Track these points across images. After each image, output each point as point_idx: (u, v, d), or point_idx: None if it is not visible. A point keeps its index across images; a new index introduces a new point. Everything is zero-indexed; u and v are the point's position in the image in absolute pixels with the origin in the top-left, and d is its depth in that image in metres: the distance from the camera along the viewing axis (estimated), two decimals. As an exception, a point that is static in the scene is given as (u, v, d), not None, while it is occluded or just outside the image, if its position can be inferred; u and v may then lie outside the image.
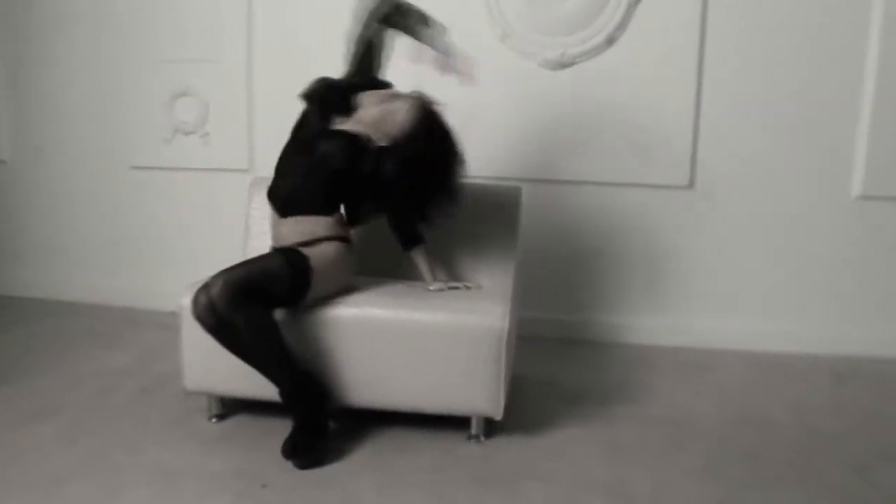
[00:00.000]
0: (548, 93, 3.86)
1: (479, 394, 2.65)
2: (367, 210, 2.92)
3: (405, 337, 2.66)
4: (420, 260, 3.00)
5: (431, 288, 2.93)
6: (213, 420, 2.85)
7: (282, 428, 2.59)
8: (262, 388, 2.65)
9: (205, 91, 4.13)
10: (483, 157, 3.83)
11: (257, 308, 2.52)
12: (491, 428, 2.76)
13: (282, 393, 2.60)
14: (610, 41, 3.78)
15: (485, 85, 3.80)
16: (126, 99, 4.24)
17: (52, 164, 4.41)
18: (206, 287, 2.54)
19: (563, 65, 3.82)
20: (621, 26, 3.76)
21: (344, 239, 2.83)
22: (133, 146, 4.27)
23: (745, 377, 3.52)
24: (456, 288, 2.96)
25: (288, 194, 2.83)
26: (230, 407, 2.91)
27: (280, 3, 4.03)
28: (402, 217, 2.97)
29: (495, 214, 3.21)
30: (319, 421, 2.61)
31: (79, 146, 4.36)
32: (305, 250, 2.70)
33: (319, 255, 2.70)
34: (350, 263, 2.85)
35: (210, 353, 2.69)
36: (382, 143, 2.81)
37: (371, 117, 2.85)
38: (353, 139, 2.81)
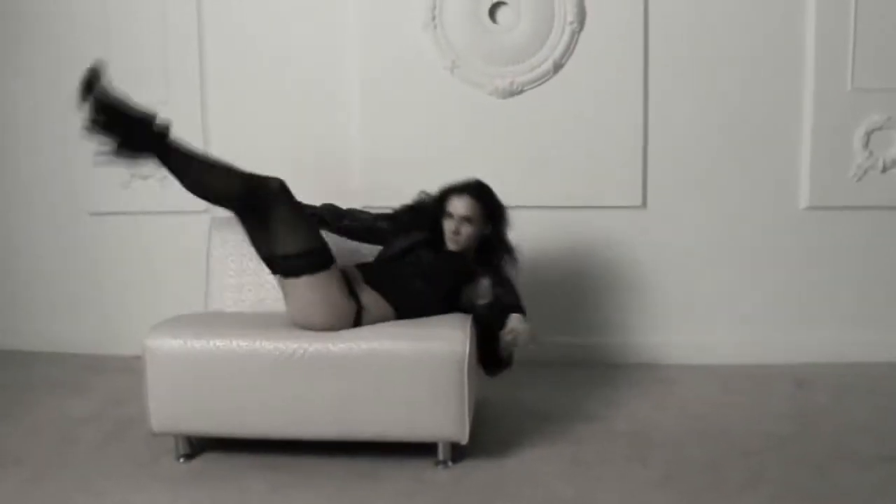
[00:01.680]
0: (499, 120, 3.95)
1: (444, 419, 2.68)
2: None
3: (367, 367, 2.68)
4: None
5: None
6: (181, 460, 2.84)
7: (252, 466, 2.60)
8: (230, 425, 2.68)
9: (160, 134, 4.14)
10: (436, 185, 3.92)
11: None
12: (458, 453, 2.79)
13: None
14: (557, 68, 3.89)
15: (436, 115, 3.92)
16: (83, 145, 4.22)
17: (10, 212, 4.39)
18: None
19: (513, 92, 3.92)
20: (567, 52, 3.87)
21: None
22: (91, 192, 4.26)
23: (706, 389, 3.60)
24: None
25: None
26: (198, 446, 2.90)
27: (232, 44, 4.09)
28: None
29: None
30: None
31: (37, 194, 4.35)
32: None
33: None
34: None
35: (176, 392, 2.72)
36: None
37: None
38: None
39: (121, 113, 2.72)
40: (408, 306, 2.92)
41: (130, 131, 2.71)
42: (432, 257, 3.10)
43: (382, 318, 2.87)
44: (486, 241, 3.16)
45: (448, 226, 3.11)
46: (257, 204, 2.75)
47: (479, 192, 3.13)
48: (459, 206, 3.09)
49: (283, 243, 2.77)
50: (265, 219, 2.77)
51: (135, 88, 4.05)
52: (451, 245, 3.12)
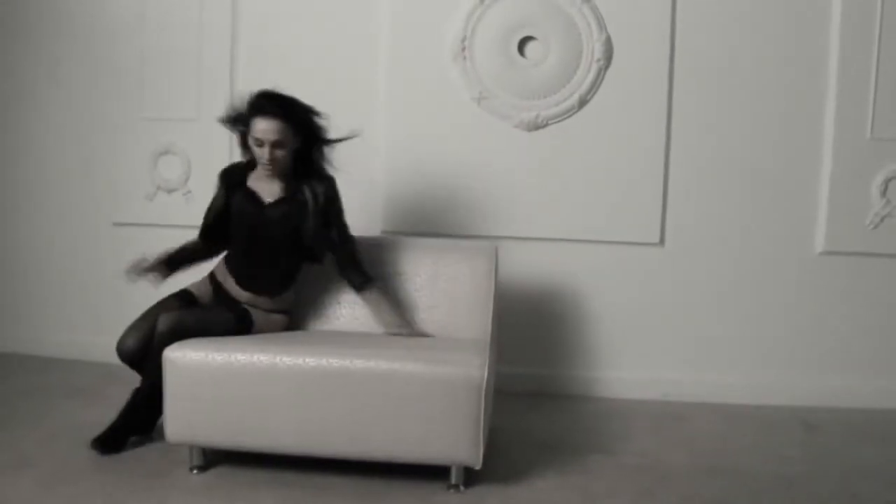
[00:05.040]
0: (523, 153, 4.00)
1: (459, 443, 2.70)
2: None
3: (385, 387, 2.72)
4: (372, 303, 3.21)
5: (390, 332, 3.15)
6: (195, 472, 2.87)
7: (264, 481, 2.62)
8: (245, 438, 2.72)
9: (187, 149, 4.24)
10: (460, 215, 3.97)
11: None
12: (470, 477, 2.81)
13: (140, 391, 3.01)
14: (582, 103, 3.95)
15: (461, 145, 3.97)
16: (109, 156, 4.33)
17: (34, 218, 4.46)
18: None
19: (538, 126, 3.97)
20: (593, 89, 3.93)
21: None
22: (116, 203, 4.34)
23: (716, 428, 3.61)
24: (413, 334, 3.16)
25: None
26: (212, 458, 2.93)
27: (262, 62, 4.16)
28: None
29: (472, 270, 3.32)
30: (141, 424, 3.06)
31: (61, 201, 4.43)
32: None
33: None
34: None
35: (194, 404, 2.76)
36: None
37: None
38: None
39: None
40: (273, 289, 3.17)
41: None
42: (259, 218, 3.13)
43: (268, 308, 3.17)
44: (299, 154, 3.17)
45: (260, 154, 3.07)
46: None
47: (284, 109, 3.06)
48: (268, 129, 3.03)
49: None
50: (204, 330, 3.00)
51: (167, 106, 4.20)
52: (266, 173, 3.11)
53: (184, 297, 3.18)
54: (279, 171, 3.11)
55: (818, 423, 3.69)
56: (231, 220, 3.18)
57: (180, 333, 2.89)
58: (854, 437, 3.52)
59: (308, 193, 3.13)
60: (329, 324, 3.31)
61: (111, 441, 3.02)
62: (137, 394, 3.04)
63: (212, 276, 3.26)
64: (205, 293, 3.22)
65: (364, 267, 3.24)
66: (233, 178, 3.21)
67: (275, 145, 3.04)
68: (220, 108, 4.11)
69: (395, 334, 3.15)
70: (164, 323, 2.92)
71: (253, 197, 3.14)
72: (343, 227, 3.24)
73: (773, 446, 3.37)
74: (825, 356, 3.98)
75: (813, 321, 3.98)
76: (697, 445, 3.35)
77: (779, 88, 3.93)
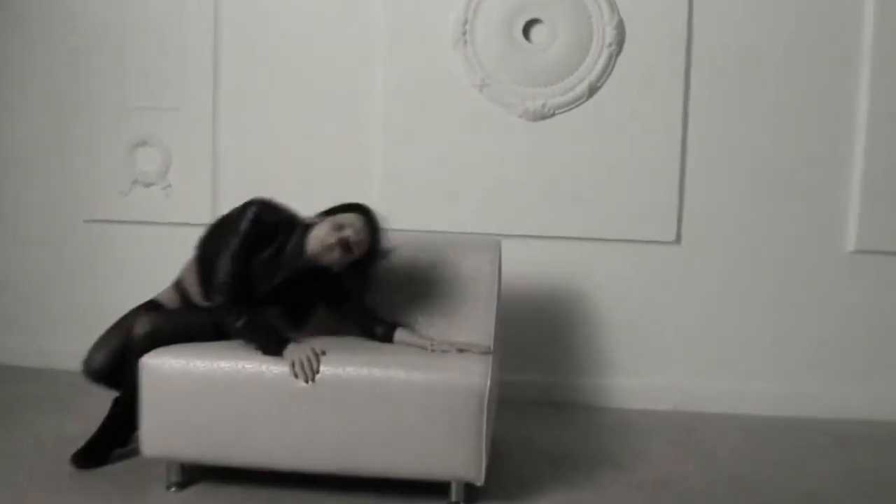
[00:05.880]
0: (528, 144, 4.00)
1: (460, 457, 2.68)
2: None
3: (379, 396, 2.70)
4: (408, 338, 3.07)
5: (437, 349, 2.96)
6: (173, 489, 2.85)
7: (248, 499, 2.60)
8: (228, 452, 2.71)
9: (167, 140, 4.23)
10: (460, 211, 3.97)
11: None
12: (471, 494, 2.79)
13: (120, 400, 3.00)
14: (592, 91, 3.94)
15: (462, 135, 3.96)
16: (81, 148, 4.32)
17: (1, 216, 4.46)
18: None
19: (544, 115, 3.97)
20: (604, 76, 3.93)
21: None
22: (88, 198, 4.32)
23: (735, 441, 3.60)
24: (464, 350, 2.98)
25: None
26: (191, 474, 2.91)
27: (249, 48, 4.16)
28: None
29: (473, 270, 3.29)
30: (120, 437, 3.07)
31: (30, 197, 4.41)
32: None
33: None
34: None
35: (174, 415, 2.75)
36: None
37: None
38: None
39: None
40: None
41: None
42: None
43: None
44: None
45: (330, 237, 2.91)
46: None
47: (372, 222, 3.01)
48: (355, 225, 2.95)
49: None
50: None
51: (146, 94, 4.18)
52: (327, 260, 2.94)
53: (152, 309, 3.14)
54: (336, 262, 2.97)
55: (848, 436, 3.68)
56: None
57: (159, 339, 2.87)
58: (887, 452, 3.51)
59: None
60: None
61: (91, 455, 3.01)
62: (118, 404, 3.03)
63: (178, 284, 3.23)
64: (173, 303, 3.19)
65: (379, 314, 3.16)
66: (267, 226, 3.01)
67: (349, 245, 2.93)
68: (203, 95, 4.14)
69: (445, 351, 2.97)
70: (141, 326, 2.91)
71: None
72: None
73: (799, 461, 3.35)
74: (856, 364, 3.97)
75: (843, 325, 3.97)
76: (716, 460, 3.34)
77: (807, 75, 3.91)
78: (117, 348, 2.98)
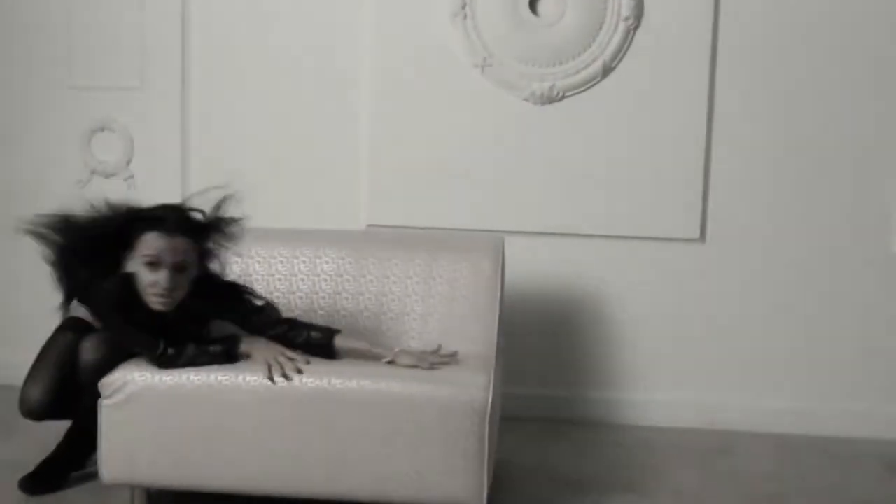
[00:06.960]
0: (534, 131, 3.97)
1: (458, 479, 2.66)
2: None
3: (370, 412, 2.68)
4: (354, 344, 2.97)
5: (399, 361, 2.85)
6: (137, 518, 2.84)
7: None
8: (199, 476, 2.69)
9: (129, 124, 4.19)
10: (458, 206, 3.95)
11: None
12: (472, 522, 2.76)
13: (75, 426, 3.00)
14: (607, 71, 3.91)
15: (461, 120, 3.94)
16: (31, 133, 4.27)
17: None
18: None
19: (553, 98, 3.94)
20: (620, 54, 3.90)
21: None
22: (39, 191, 4.25)
23: (770, 463, 3.58)
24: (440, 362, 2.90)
25: None
26: (158, 501, 2.90)
27: (220, 21, 4.12)
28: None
29: (474, 270, 3.28)
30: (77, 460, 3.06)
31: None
32: None
33: None
34: None
35: (137, 435, 2.73)
36: None
37: None
38: None
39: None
40: None
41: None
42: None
43: None
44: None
45: (150, 279, 2.76)
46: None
47: (187, 224, 2.84)
48: (165, 248, 2.76)
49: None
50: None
51: (107, 71, 4.14)
52: (158, 306, 2.80)
53: (77, 327, 2.99)
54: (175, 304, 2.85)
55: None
56: None
57: (111, 362, 2.79)
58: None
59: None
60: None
61: (44, 480, 2.97)
62: (75, 424, 3.00)
63: None
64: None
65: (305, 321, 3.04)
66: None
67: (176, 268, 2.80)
68: (171, 71, 4.09)
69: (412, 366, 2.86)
70: (89, 352, 2.84)
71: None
72: (256, 308, 3.00)
73: (843, 487, 3.33)
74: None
75: (889, 334, 3.94)
76: (746, 484, 3.32)
77: (851, 56, 3.87)
78: (56, 379, 2.88)
